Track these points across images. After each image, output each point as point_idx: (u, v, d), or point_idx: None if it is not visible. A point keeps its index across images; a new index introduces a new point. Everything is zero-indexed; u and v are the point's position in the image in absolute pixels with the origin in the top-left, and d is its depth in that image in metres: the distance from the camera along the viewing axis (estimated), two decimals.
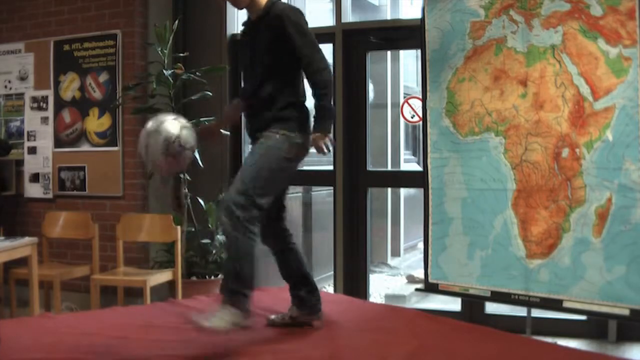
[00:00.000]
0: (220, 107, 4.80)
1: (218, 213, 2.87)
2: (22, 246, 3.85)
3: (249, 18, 2.98)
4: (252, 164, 2.80)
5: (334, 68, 4.59)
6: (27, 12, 5.18)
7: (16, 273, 4.24)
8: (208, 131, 3.22)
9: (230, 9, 4.93)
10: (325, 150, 2.80)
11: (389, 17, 7.49)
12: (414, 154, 8.44)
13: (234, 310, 2.65)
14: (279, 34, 2.79)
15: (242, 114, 3.08)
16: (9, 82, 5.29)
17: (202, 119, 4.38)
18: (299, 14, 2.84)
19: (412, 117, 4.83)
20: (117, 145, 4.84)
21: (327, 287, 5.94)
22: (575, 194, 3.09)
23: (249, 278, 2.72)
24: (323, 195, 6.14)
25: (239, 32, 3.20)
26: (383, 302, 5.42)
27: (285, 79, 2.86)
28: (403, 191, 7.58)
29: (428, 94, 3.64)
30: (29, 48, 5.19)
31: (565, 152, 3.12)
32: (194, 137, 2.87)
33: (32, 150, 5.17)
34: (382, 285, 6.48)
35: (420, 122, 3.81)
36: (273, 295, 3.53)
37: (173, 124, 2.82)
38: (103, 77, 4.89)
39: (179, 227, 4.29)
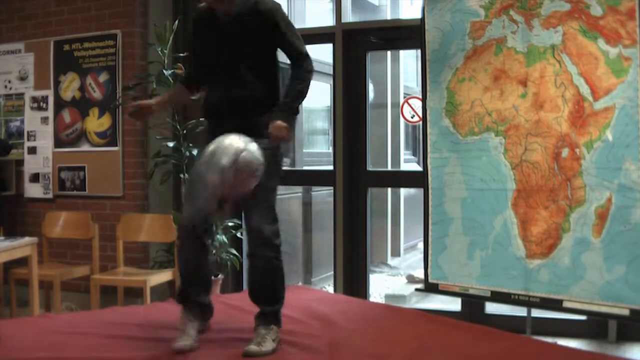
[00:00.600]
0: None
1: (254, 248, 2.77)
2: (22, 246, 3.85)
3: (212, 10, 2.80)
4: (271, 188, 2.80)
5: (334, 68, 4.59)
6: (27, 12, 5.18)
7: (16, 273, 4.24)
8: (140, 109, 2.94)
9: None
10: (282, 142, 2.73)
11: (389, 17, 7.49)
12: (414, 154, 8.44)
13: (277, 329, 2.78)
14: (269, 31, 2.75)
15: (211, 114, 2.90)
16: (9, 82, 5.29)
17: (202, 119, 4.39)
18: (283, 10, 2.83)
19: (412, 117, 4.83)
20: (117, 145, 4.84)
21: (327, 287, 5.95)
22: (575, 194, 3.09)
23: (283, 296, 2.87)
24: (323, 195, 6.15)
25: (197, 15, 2.90)
26: (383, 302, 5.42)
27: (272, 80, 2.84)
28: (403, 191, 7.59)
29: (428, 94, 3.64)
30: (29, 48, 5.19)
31: (565, 152, 3.12)
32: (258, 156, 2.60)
33: (32, 150, 5.17)
34: (382, 285, 6.48)
35: (420, 122, 3.81)
36: None
37: (238, 141, 2.59)
38: (103, 77, 4.89)
39: None
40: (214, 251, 4.45)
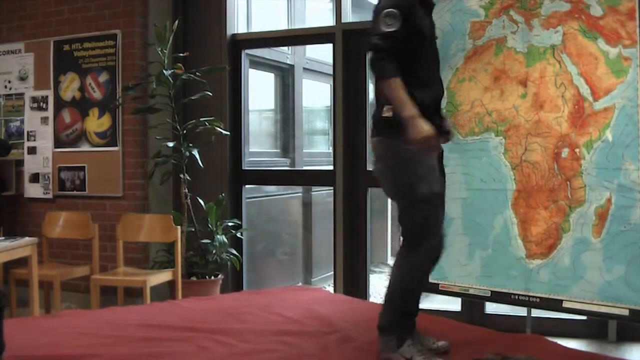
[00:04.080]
0: (221, 107, 4.81)
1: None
2: (22, 246, 3.85)
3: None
4: None
5: (334, 68, 4.60)
6: (27, 12, 5.18)
7: (16, 273, 4.23)
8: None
9: (230, 8, 4.95)
10: None
11: None
12: None
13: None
14: None
15: (433, 108, 2.60)
16: (9, 82, 5.29)
17: (202, 119, 4.40)
18: None
19: None
20: (117, 145, 4.84)
21: (327, 287, 5.95)
22: (575, 194, 3.09)
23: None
24: (323, 195, 6.14)
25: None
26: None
27: None
28: None
29: None
30: (29, 48, 5.19)
31: (565, 152, 3.12)
32: None
33: (32, 150, 5.17)
34: (382, 285, 6.47)
35: None
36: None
37: None
38: (103, 77, 4.89)
39: (179, 227, 4.29)
40: (214, 251, 4.46)
